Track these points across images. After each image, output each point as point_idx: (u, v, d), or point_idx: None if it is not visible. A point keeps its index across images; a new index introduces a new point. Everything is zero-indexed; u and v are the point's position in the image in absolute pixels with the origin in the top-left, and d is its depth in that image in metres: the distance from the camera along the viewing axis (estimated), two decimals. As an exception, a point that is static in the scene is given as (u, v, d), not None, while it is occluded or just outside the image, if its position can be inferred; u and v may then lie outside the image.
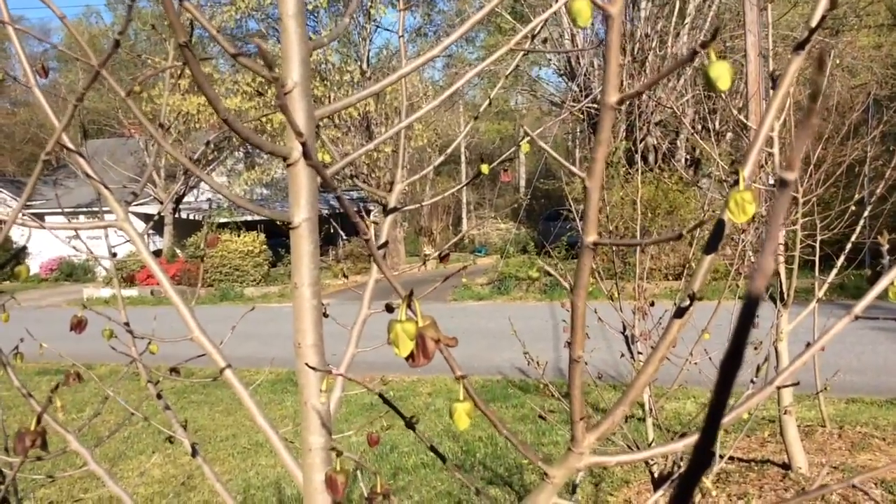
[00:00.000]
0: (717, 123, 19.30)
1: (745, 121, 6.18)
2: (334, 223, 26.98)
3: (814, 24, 0.77)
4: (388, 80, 1.56)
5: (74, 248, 1.84)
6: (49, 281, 30.00)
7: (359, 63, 25.58)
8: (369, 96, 1.61)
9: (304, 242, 1.44)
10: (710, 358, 3.86)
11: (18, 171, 34.16)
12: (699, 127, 21.10)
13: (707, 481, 1.03)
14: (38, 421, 0.93)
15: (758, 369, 3.40)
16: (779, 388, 0.89)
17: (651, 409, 3.86)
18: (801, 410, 7.66)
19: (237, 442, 8.63)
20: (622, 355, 4.13)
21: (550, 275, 2.78)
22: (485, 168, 1.90)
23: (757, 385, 3.60)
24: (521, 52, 2.03)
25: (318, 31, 25.51)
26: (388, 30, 26.35)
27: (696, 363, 3.70)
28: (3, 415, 2.25)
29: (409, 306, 0.68)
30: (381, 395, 0.93)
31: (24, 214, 1.15)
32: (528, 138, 2.04)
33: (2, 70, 1.85)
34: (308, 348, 1.44)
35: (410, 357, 0.68)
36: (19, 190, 32.36)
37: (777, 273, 5.48)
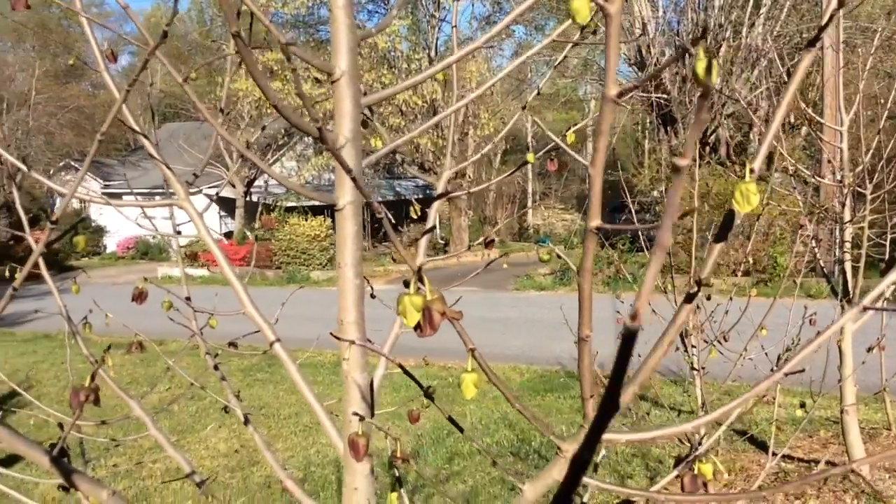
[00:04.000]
0: (791, 117, 18.77)
1: (814, 115, 6.03)
2: (386, 211, 27.19)
3: (824, 21, 0.79)
4: (434, 69, 1.61)
5: (139, 225, 1.95)
6: (125, 259, 31.07)
7: (427, 51, 25.70)
8: (414, 85, 1.66)
9: (347, 224, 1.51)
10: (766, 354, 3.82)
11: (99, 152, 35.47)
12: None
13: (717, 461, 1.04)
14: (93, 378, 1.02)
15: (778, 359, 3.36)
16: (787, 374, 0.91)
17: (703, 404, 3.84)
18: (867, 413, 7.47)
19: (300, 420, 8.84)
20: (676, 349, 4.12)
21: (560, 257, 2.79)
22: (530, 157, 1.94)
23: (770, 374, 3.55)
24: (571, 45, 2.06)
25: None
26: (443, 20, 26.30)
27: (750, 358, 3.66)
28: (75, 384, 2.40)
29: (419, 282, 0.73)
30: (400, 366, 0.98)
31: (77, 182, 1.25)
32: (575, 129, 2.07)
33: (81, 54, 1.96)
34: (349, 325, 1.51)
35: (418, 327, 0.74)
36: (99, 170, 33.58)
37: (843, 270, 5.36)
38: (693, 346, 3.79)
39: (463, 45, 1.86)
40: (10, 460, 6.46)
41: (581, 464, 0.36)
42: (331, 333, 1.21)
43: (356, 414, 1.08)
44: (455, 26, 2.16)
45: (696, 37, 0.65)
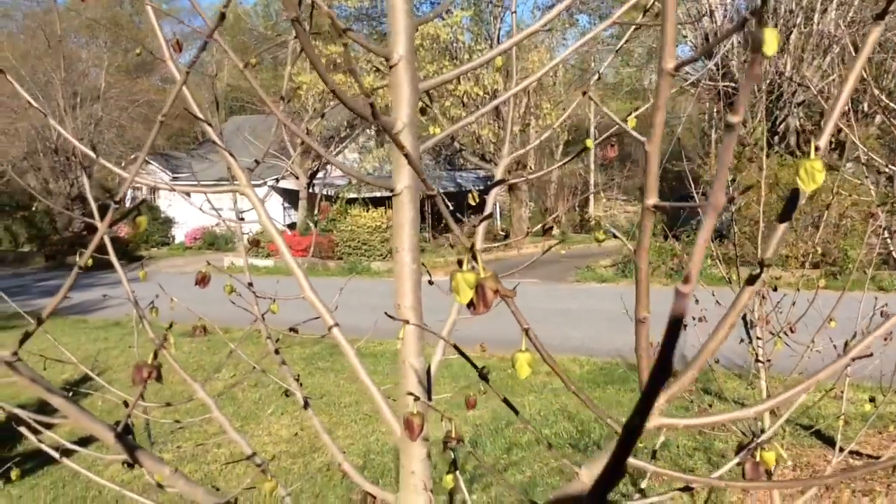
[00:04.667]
0: (865, 105, 18.15)
1: (889, 102, 5.82)
2: (447, 201, 27.23)
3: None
4: (493, 53, 1.60)
5: (203, 211, 1.99)
6: (193, 249, 31.85)
7: (489, 42, 25.61)
8: (469, 70, 1.66)
9: (405, 209, 1.51)
10: (834, 346, 3.71)
11: (167, 145, 36.32)
12: (846, 108, 19.87)
13: (780, 448, 1.01)
14: (156, 356, 1.05)
15: (846, 345, 3.24)
16: (853, 359, 0.88)
17: (769, 397, 3.74)
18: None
19: (360, 408, 8.95)
20: (741, 340, 4.03)
21: (616, 237, 2.74)
22: (589, 143, 1.92)
23: (832, 360, 3.44)
24: (633, 28, 2.02)
25: (450, 9, 25.67)
26: (506, 9, 26.15)
27: (818, 351, 3.56)
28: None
29: (473, 259, 0.73)
30: (455, 347, 0.98)
31: (136, 167, 1.28)
32: (637, 114, 2.03)
33: (141, 46, 2.01)
34: (407, 309, 1.51)
35: (471, 305, 0.73)
36: (168, 162, 34.44)
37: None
38: (759, 338, 3.70)
39: (522, 34, 1.85)
40: (85, 441, 6.70)
41: (632, 430, 0.36)
42: (385, 313, 1.21)
43: (410, 393, 1.09)
44: (514, 12, 2.14)
45: (755, 8, 0.63)
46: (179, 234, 33.11)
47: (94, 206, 2.14)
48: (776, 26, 20.78)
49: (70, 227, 31.30)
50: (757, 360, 3.68)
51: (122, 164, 32.55)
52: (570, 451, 7.15)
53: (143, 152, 1.03)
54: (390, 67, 1.47)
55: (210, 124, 1.66)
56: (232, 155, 1.71)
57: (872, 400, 3.71)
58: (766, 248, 0.86)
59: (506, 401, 1.06)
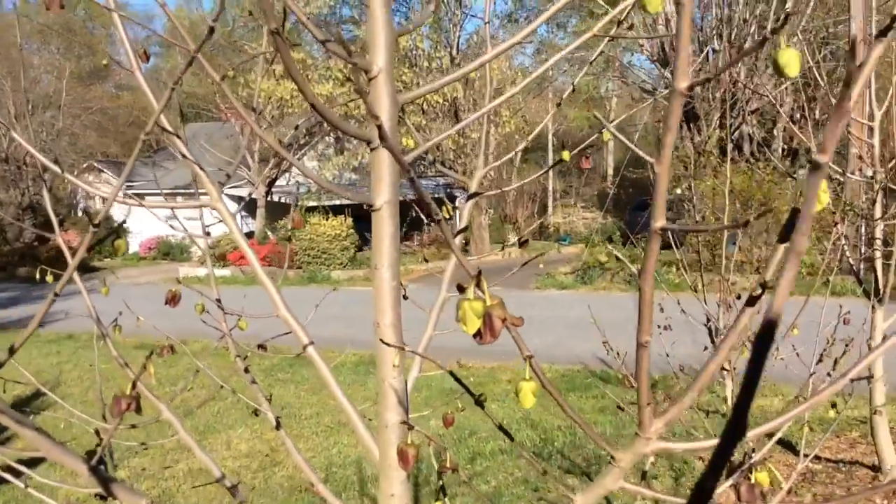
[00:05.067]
0: (817, 112, 18.57)
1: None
2: (418, 209, 27.17)
3: (899, 10, 0.75)
4: (471, 67, 1.58)
5: (171, 226, 1.93)
6: (147, 259, 31.33)
7: (448, 49, 25.66)
8: (451, 83, 1.63)
9: (384, 225, 1.48)
10: (797, 354, 3.76)
11: (121, 153, 35.68)
12: (798, 116, 20.34)
13: (775, 470, 1.00)
14: (134, 386, 1.00)
15: (835, 362, 3.29)
16: (852, 381, 0.87)
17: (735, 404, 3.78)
18: (894, 411, 7.36)
19: (321, 420, 8.85)
20: (706, 348, 4.06)
21: (620, 259, 2.76)
22: (566, 155, 1.91)
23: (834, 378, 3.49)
24: (607, 39, 2.02)
25: (409, 16, 25.70)
26: (473, 15, 26.34)
27: (782, 359, 3.60)
28: (102, 385, 2.39)
29: (477, 286, 0.70)
30: (451, 374, 0.95)
31: (125, 194, 1.23)
32: (611, 125, 2.03)
33: (107, 55, 1.95)
34: (386, 327, 1.48)
35: (478, 335, 0.71)
36: (121, 171, 33.79)
37: (873, 268, 5.27)
38: (724, 347, 3.74)
39: (485, 43, 1.83)
40: (33, 461, 6.50)
41: (703, 493, 0.33)
42: (381, 340, 1.18)
43: (405, 422, 1.05)
44: (487, 22, 2.13)
45: (777, 26, 0.61)
46: (134, 243, 32.53)
47: (55, 220, 2.07)
48: (730, 35, 21.20)
49: (21, 238, 30.55)
50: (722, 368, 3.71)
51: (76, 173, 31.90)
52: (534, 460, 7.14)
53: (124, 174, 0.98)
54: (370, 80, 1.43)
55: (181, 138, 1.61)
56: (203, 169, 1.66)
57: (834, 406, 3.76)
58: (768, 270, 0.84)
59: (501, 427, 1.03)
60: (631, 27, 1.98)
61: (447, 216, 1.94)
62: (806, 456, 4.19)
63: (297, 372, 11.12)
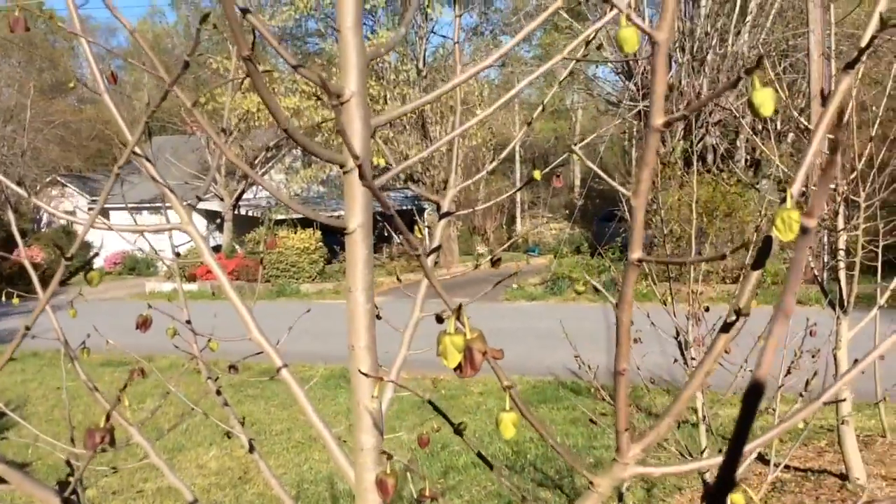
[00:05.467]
0: (778, 124, 18.90)
1: (805, 123, 6.06)
2: (387, 225, 27.14)
3: (863, 44, 0.77)
4: (443, 90, 1.59)
5: (140, 249, 1.91)
6: (113, 274, 30.88)
7: (415, 62, 25.72)
8: (424, 104, 1.64)
9: (358, 248, 1.48)
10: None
11: (84, 167, 35.22)
12: (759, 127, 20.67)
13: (750, 491, 1.01)
14: (108, 419, 0.99)
15: (807, 383, 3.34)
16: (825, 404, 0.89)
17: (704, 416, 3.82)
18: (861, 420, 7.48)
19: (291, 436, 8.77)
20: (675, 360, 4.10)
21: (598, 291, 2.74)
22: (537, 174, 1.92)
23: (806, 398, 3.54)
24: (575, 61, 2.04)
25: (376, 30, 25.72)
26: (444, 36, 26.46)
27: (750, 371, 3.65)
28: (69, 405, 2.35)
29: (457, 318, 0.70)
30: (430, 403, 0.96)
31: (90, 209, 1.21)
32: (580, 146, 2.05)
33: (74, 77, 1.93)
34: (361, 350, 1.47)
35: (458, 368, 0.71)
36: (85, 185, 33.34)
37: (837, 279, 5.36)
38: (693, 359, 3.77)
39: (451, 55, 1.84)
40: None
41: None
42: (360, 371, 1.17)
43: (384, 452, 1.05)
44: (457, 42, 2.14)
45: (750, 66, 0.62)
46: (98, 259, 32.06)
47: (18, 238, 2.03)
48: (692, 49, 21.51)
49: (-19, 254, 29.93)
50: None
51: (38, 188, 31.41)
52: (507, 473, 7.15)
53: (100, 202, 0.97)
54: (341, 104, 1.43)
55: (151, 161, 1.59)
56: (172, 191, 1.64)
57: (802, 416, 3.81)
58: (741, 296, 0.86)
59: (480, 455, 1.03)
60: (600, 47, 2.00)
61: (419, 236, 1.94)
62: (776, 466, 4.25)
63: (266, 387, 11.02)
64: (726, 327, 0.86)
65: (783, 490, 5.74)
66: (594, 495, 0.94)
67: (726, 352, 3.72)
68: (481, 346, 0.69)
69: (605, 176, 1.09)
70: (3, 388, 11.35)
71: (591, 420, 3.32)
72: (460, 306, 0.69)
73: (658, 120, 0.65)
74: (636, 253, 0.72)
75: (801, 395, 3.34)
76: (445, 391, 10.33)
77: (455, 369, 0.71)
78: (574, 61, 2.29)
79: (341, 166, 1.47)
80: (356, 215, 1.48)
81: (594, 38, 1.96)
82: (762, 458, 6.21)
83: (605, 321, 14.19)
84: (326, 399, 10.34)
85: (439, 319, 0.73)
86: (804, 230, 0.38)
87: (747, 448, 0.89)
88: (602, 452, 7.39)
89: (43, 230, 32.93)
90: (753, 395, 0.34)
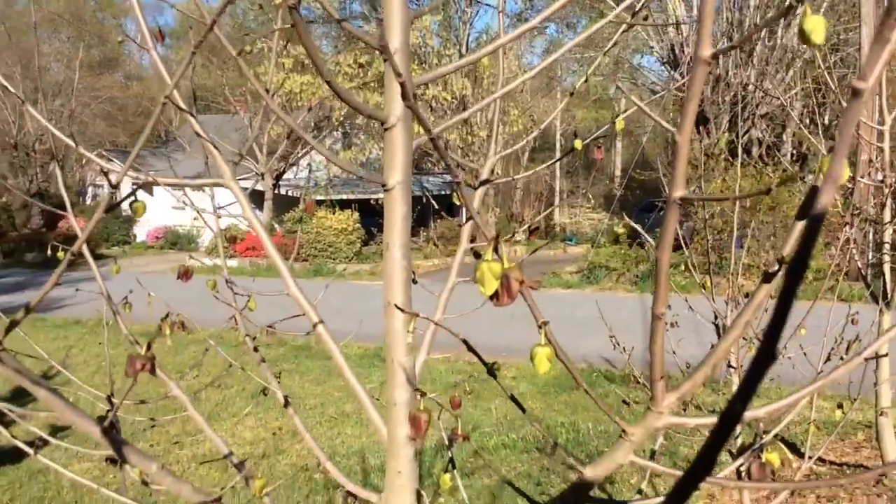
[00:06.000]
0: (826, 118, 18.51)
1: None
2: (429, 201, 27.16)
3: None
4: (487, 50, 1.59)
5: (184, 203, 1.94)
6: (155, 248, 31.38)
7: (458, 47, 25.66)
8: (467, 65, 1.64)
9: (397, 205, 1.49)
10: (804, 354, 3.75)
11: (130, 143, 35.74)
12: (807, 121, 20.27)
13: (785, 449, 1.01)
14: (149, 347, 1.01)
15: (848, 346, 3.29)
16: (867, 360, 0.88)
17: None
18: (900, 417, 7.34)
19: (325, 411, 8.87)
20: (712, 346, 4.05)
21: (637, 233, 2.72)
22: (578, 143, 1.91)
23: (847, 358, 3.48)
24: (621, 30, 2.02)
25: (419, 5, 25.67)
26: (489, 5, 26.36)
27: (789, 357, 3.60)
28: (109, 370, 2.40)
29: (495, 250, 0.71)
30: (464, 342, 0.96)
31: (126, 165, 1.24)
32: (623, 116, 2.03)
33: (122, 34, 1.96)
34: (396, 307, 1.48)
35: (495, 296, 0.71)
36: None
37: (882, 273, 5.26)
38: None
39: (495, 41, 1.83)
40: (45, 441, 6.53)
41: (732, 417, 0.34)
42: (395, 305, 1.18)
43: (417, 390, 1.06)
44: (501, 11, 2.13)
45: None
46: (141, 232, 32.60)
47: (66, 198, 2.08)
48: (730, 19, 21.11)
49: (28, 224, 30.66)
50: (729, 366, 3.71)
51: (84, 161, 32.00)
52: (536, 456, 7.15)
53: (133, 152, 0.99)
54: (385, 60, 1.44)
55: (194, 116, 1.61)
56: (217, 147, 1.66)
57: (840, 406, 3.76)
58: (786, 245, 0.84)
59: (513, 398, 1.03)
60: (646, 18, 1.98)
61: (458, 203, 1.95)
62: (810, 458, 4.19)
63: (301, 363, 11.14)
64: (768, 277, 0.85)
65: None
66: (627, 444, 0.94)
67: (758, 309, 3.67)
68: (518, 275, 0.69)
69: (642, 106, 1.08)
70: (46, 353, 11.62)
71: (625, 401, 3.30)
72: (498, 234, 0.69)
73: (706, 51, 0.64)
74: (679, 191, 0.71)
75: (841, 358, 3.28)
76: (477, 374, 10.35)
77: (491, 297, 0.71)
78: (616, 42, 2.27)
79: (382, 123, 1.48)
80: (396, 173, 1.48)
81: (640, 8, 1.94)
82: (796, 451, 6.13)
83: (640, 311, 14.08)
84: (360, 377, 10.35)
85: (476, 255, 0.73)
86: (855, 93, 0.38)
87: (787, 401, 0.88)
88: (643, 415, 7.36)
89: (88, 203, 33.58)
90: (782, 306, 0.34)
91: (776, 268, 0.84)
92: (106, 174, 0.99)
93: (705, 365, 0.89)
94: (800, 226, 0.85)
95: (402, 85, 0.72)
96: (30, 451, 1.47)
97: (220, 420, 8.50)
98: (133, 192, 1.07)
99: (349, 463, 7.12)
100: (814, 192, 0.86)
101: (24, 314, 0.88)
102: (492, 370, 1.00)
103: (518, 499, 6.18)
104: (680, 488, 0.39)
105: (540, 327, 0.80)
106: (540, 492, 6.26)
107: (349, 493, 1.70)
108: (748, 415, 0.92)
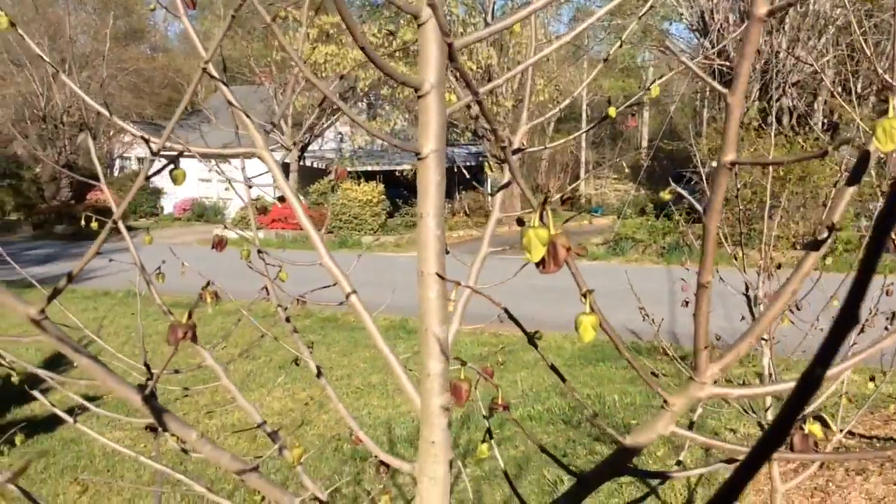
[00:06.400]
0: (859, 87, 18.15)
1: (893, 81, 5.78)
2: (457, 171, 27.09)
3: None
4: (520, 15, 1.56)
5: (217, 172, 1.94)
6: (182, 220, 31.65)
7: (483, 16, 25.41)
8: (502, 30, 1.61)
9: (431, 173, 1.47)
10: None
11: (156, 115, 35.92)
12: (839, 89, 19.88)
13: (829, 419, 0.98)
14: (190, 315, 1.01)
15: (893, 316, 3.24)
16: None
17: (771, 375, 3.75)
18: (932, 391, 7.26)
19: (351, 382, 8.94)
20: (742, 318, 4.01)
21: (683, 197, 2.70)
22: (612, 111, 1.88)
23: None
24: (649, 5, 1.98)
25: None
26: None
27: (821, 329, 3.55)
28: (139, 342, 2.42)
29: (541, 216, 0.69)
30: (505, 310, 0.95)
31: (165, 135, 1.23)
32: (657, 83, 1.99)
33: (153, 1, 1.95)
34: (429, 276, 1.47)
35: (541, 263, 0.70)
36: (157, 132, 33.92)
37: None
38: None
39: (522, 8, 1.79)
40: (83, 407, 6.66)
41: (811, 381, 0.33)
42: (437, 274, 1.17)
43: (458, 359, 1.05)
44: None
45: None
46: (168, 204, 32.86)
47: (99, 168, 2.09)
48: (771, 3, 20.70)
49: (58, 196, 31.03)
50: (761, 338, 3.67)
51: (112, 133, 32.23)
52: (563, 428, 7.17)
53: (170, 124, 0.98)
54: (419, 26, 1.42)
55: (226, 84, 1.61)
56: (248, 116, 1.66)
57: (873, 379, 3.71)
58: (834, 212, 0.82)
59: (553, 367, 1.03)
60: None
61: (490, 171, 1.93)
62: (840, 430, 4.15)
63: (328, 334, 11.23)
64: (816, 244, 0.83)
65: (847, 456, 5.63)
66: (668, 414, 0.93)
67: (797, 307, 3.63)
68: (565, 242, 0.68)
69: (694, 67, 1.05)
70: (76, 324, 11.81)
71: (653, 373, 3.28)
72: (545, 199, 0.68)
73: (762, 9, 0.62)
74: (730, 155, 0.69)
75: (886, 327, 3.24)
76: (504, 346, 10.37)
77: (537, 264, 0.70)
78: (646, 7, 2.22)
79: (416, 90, 1.46)
80: (430, 141, 1.47)
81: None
82: (824, 423, 6.08)
83: (667, 283, 13.98)
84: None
85: (520, 222, 0.72)
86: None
87: (833, 371, 0.86)
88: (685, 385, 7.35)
89: (116, 175, 33.87)
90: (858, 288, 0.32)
91: (825, 235, 0.82)
92: (147, 141, 0.99)
93: (749, 335, 0.87)
94: (848, 192, 0.83)
95: (450, 46, 0.70)
96: (69, 419, 1.48)
97: (249, 390, 8.61)
98: (173, 160, 1.06)
99: (376, 433, 7.19)
100: (865, 156, 0.83)
101: (65, 282, 0.88)
102: (532, 339, 0.99)
103: (545, 469, 6.21)
104: (753, 458, 0.38)
105: (584, 296, 0.78)
106: (566, 463, 6.27)
107: (381, 463, 1.71)
108: (786, 387, 0.90)
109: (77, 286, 15.81)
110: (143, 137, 1.08)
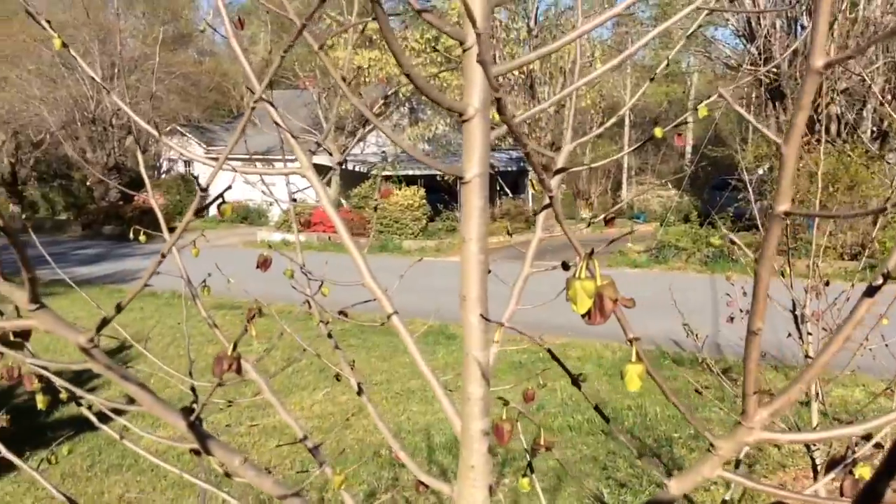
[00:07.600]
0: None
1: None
2: (501, 182, 27.02)
3: None
4: (565, 40, 1.55)
5: (263, 191, 1.96)
6: (226, 222, 32.09)
7: (526, 21, 25.36)
8: (547, 54, 1.60)
9: (474, 197, 1.47)
10: (886, 345, 3.62)
11: (203, 118, 36.49)
12: (889, 97, 19.44)
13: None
14: (235, 347, 1.02)
15: None
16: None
17: (818, 394, 3.66)
18: None
19: (391, 387, 8.97)
20: (789, 335, 3.94)
21: (734, 243, 2.64)
22: (658, 132, 1.86)
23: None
24: (704, 12, 1.95)
25: None
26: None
27: (870, 349, 3.47)
28: (183, 343, 2.45)
29: (588, 266, 0.69)
30: (549, 351, 0.94)
31: (223, 158, 1.25)
32: (707, 103, 1.97)
33: (204, 23, 1.98)
34: (473, 301, 1.47)
35: (587, 315, 0.69)
36: (203, 135, 34.61)
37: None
38: (809, 334, 3.61)
39: (562, 14, 1.77)
40: (117, 411, 6.78)
41: (876, 496, 0.32)
42: (481, 315, 1.17)
43: (501, 398, 1.05)
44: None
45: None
46: (212, 206, 33.30)
47: (146, 178, 2.12)
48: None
49: (106, 197, 31.68)
50: (807, 357, 3.60)
51: (159, 136, 32.83)
52: (602, 439, 7.11)
53: (231, 143, 1.00)
54: (464, 50, 1.42)
55: (274, 105, 1.62)
56: (294, 136, 1.67)
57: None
58: (892, 257, 0.80)
59: (597, 408, 1.02)
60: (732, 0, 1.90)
61: (536, 190, 1.92)
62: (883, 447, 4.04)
63: (368, 339, 11.27)
64: (871, 291, 0.81)
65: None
66: (715, 458, 0.91)
67: (858, 324, 3.55)
68: (612, 294, 0.67)
69: (750, 118, 1.04)
70: (122, 324, 11.99)
71: (697, 390, 3.24)
72: (592, 251, 0.67)
73: (819, 61, 0.60)
74: (783, 205, 0.68)
75: None
76: (544, 354, 10.32)
77: (583, 316, 0.69)
78: (703, 14, 2.19)
79: (461, 115, 1.46)
80: (474, 165, 1.46)
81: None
82: (877, 444, 5.94)
83: (711, 292, 13.79)
84: (425, 354, 10.42)
85: (566, 266, 0.71)
86: None
87: (889, 419, 0.84)
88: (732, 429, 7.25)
89: (162, 177, 34.48)
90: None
91: (880, 282, 0.80)
92: (196, 179, 1.00)
93: (801, 381, 0.85)
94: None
95: (500, 102, 0.70)
96: (111, 432, 1.51)
97: (290, 394, 8.69)
98: (221, 196, 1.08)
99: (415, 440, 7.20)
100: (925, 203, 0.81)
101: (115, 312, 0.90)
102: (576, 381, 0.98)
103: (583, 481, 6.16)
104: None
105: (630, 343, 0.77)
106: (606, 475, 6.22)
107: (420, 483, 1.71)
108: (841, 432, 0.88)
109: (123, 286, 16.12)
110: (192, 175, 1.10)
